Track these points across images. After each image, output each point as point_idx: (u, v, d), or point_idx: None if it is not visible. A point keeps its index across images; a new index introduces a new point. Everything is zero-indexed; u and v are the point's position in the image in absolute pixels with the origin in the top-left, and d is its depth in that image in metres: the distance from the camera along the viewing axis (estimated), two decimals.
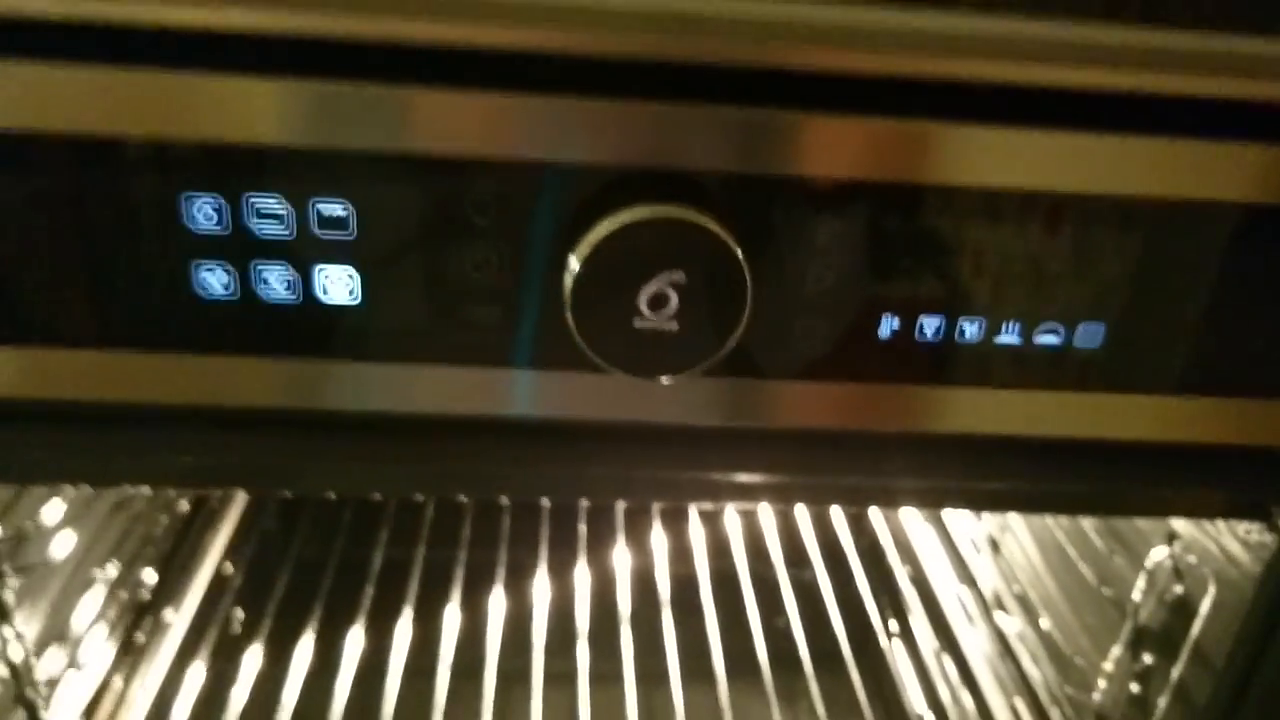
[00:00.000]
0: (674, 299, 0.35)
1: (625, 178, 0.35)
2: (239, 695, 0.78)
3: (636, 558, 0.96)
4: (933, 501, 0.57)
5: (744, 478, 0.46)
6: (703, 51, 0.34)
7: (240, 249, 0.35)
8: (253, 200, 0.34)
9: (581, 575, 0.93)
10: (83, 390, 0.39)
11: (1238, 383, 0.44)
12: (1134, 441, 0.46)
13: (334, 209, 0.35)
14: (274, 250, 0.35)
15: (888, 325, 0.39)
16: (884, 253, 0.37)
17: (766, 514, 1.02)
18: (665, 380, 0.37)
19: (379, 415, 0.39)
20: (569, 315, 0.35)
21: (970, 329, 0.39)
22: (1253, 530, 0.57)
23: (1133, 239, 0.38)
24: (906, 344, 0.39)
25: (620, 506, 1.02)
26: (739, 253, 0.34)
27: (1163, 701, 0.64)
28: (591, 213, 0.34)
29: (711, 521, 1.01)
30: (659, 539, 0.98)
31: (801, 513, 1.02)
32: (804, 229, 0.36)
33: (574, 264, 0.34)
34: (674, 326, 0.35)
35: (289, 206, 0.34)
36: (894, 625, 0.98)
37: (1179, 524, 0.65)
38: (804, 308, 0.38)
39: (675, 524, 1.00)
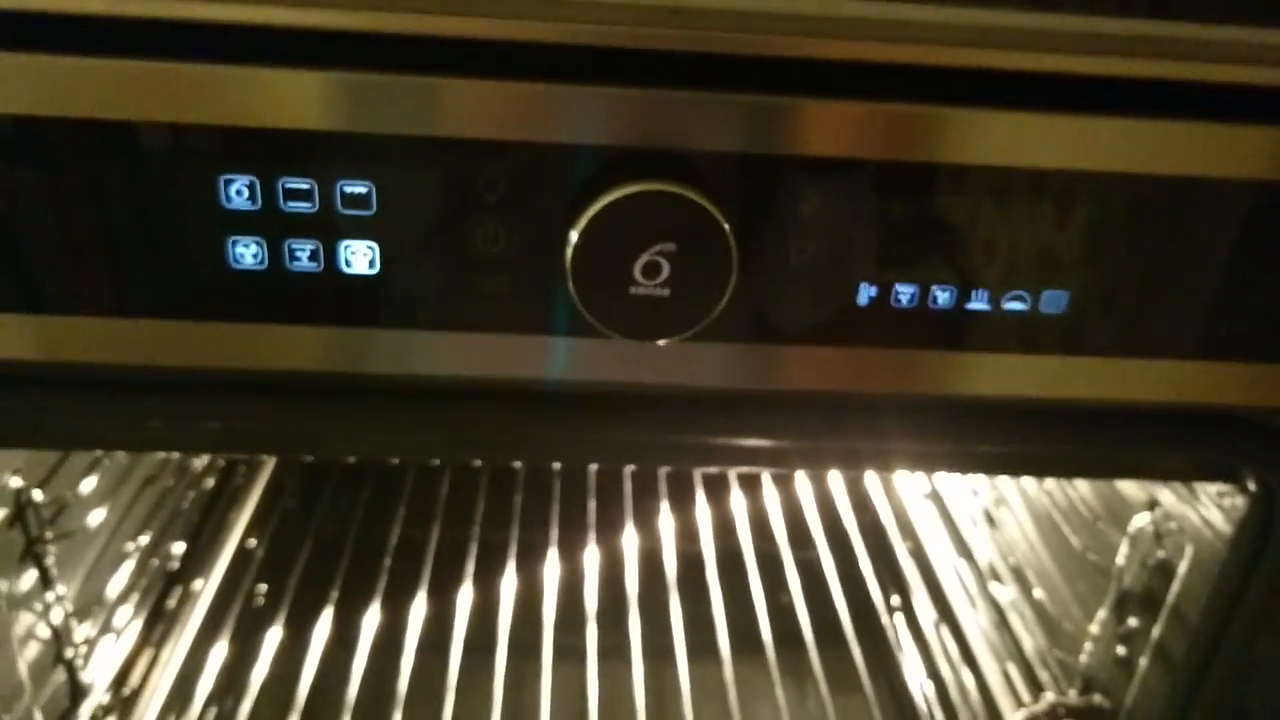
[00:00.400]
0: (665, 267, 0.38)
1: (622, 157, 0.38)
2: (261, 665, 0.82)
3: (644, 537, 0.99)
4: (921, 464, 0.59)
5: (745, 442, 0.50)
6: (698, 42, 0.37)
7: (272, 225, 0.39)
8: (285, 181, 0.38)
9: (591, 555, 0.96)
10: (123, 356, 0.43)
11: (1208, 347, 0.46)
12: (1112, 403, 0.48)
13: (357, 188, 0.38)
14: (302, 226, 0.39)
15: (865, 293, 0.42)
16: (862, 226, 0.41)
17: (771, 493, 1.05)
18: (661, 343, 0.41)
19: (402, 379, 0.43)
20: (570, 283, 0.38)
21: (942, 296, 0.43)
22: (1226, 493, 0.60)
23: (1096, 210, 0.41)
24: (884, 311, 0.42)
25: (628, 488, 1.05)
26: (725, 224, 0.37)
27: (1144, 661, 0.67)
28: (592, 190, 0.38)
29: (717, 500, 1.05)
30: (666, 518, 1.01)
31: (805, 492, 1.06)
32: (789, 203, 0.40)
33: (573, 236, 0.37)
34: (665, 293, 0.38)
35: (316, 186, 0.38)
36: (895, 600, 1.01)
37: (1161, 492, 0.68)
38: (789, 277, 0.41)
39: (681, 503, 1.03)
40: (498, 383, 0.43)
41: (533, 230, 0.39)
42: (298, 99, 0.37)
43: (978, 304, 0.43)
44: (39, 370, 0.44)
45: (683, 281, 0.38)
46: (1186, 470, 0.58)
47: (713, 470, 1.07)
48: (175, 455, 0.86)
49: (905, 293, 0.42)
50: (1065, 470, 0.66)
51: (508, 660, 0.85)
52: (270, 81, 0.36)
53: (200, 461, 0.92)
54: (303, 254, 0.39)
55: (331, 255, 0.39)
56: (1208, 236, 0.43)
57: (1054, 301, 0.43)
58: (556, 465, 1.03)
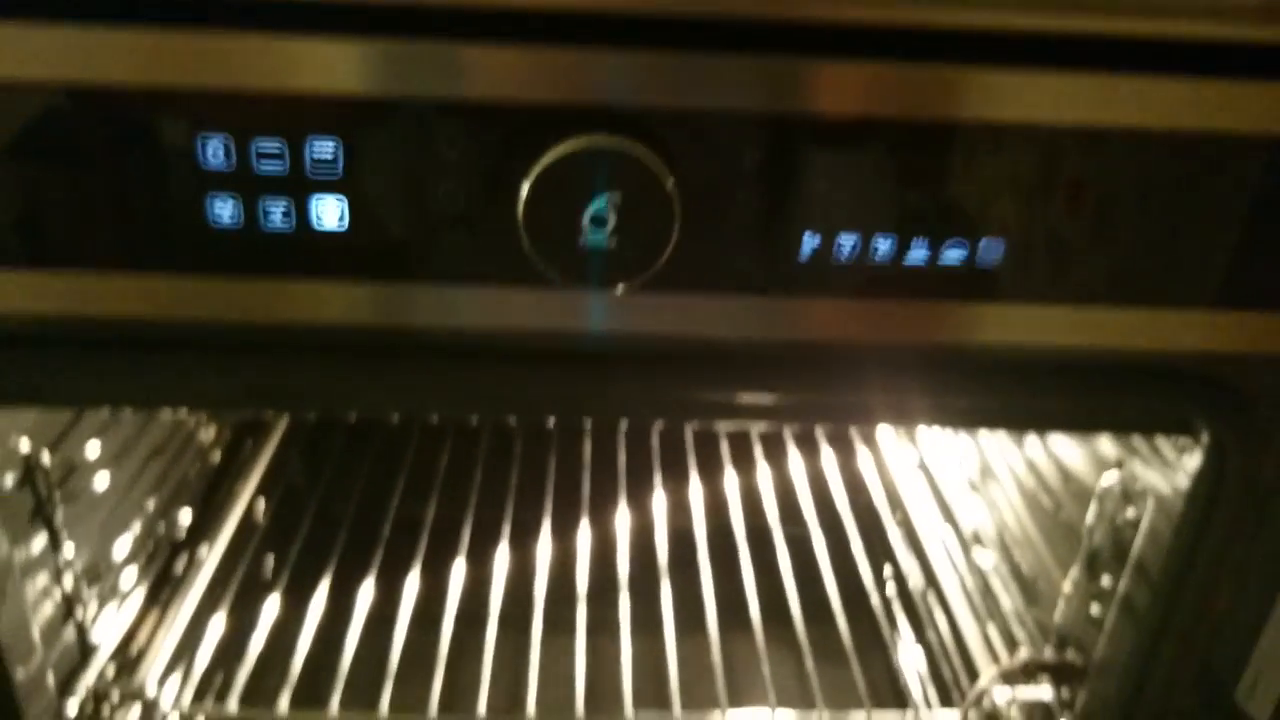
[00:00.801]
0: (611, 219, 0.40)
1: (572, 114, 0.41)
2: (259, 634, 0.85)
3: (636, 514, 1.02)
4: (866, 416, 0.61)
5: (739, 398, 0.52)
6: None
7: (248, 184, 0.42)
8: (259, 142, 0.41)
9: (583, 536, 0.98)
10: (147, 310, 0.45)
11: (1161, 292, 0.48)
12: (1078, 351, 0.50)
13: (326, 146, 0.41)
14: (273, 185, 0.42)
15: (809, 244, 0.44)
16: (808, 180, 0.43)
17: (765, 474, 1.07)
18: (617, 291, 0.43)
19: (401, 332, 0.45)
20: (522, 234, 0.41)
21: (884, 246, 0.45)
22: (1185, 448, 0.62)
23: (1037, 161, 0.43)
24: (826, 262, 0.45)
25: (622, 460, 1.08)
26: (666, 178, 0.40)
27: (1110, 616, 0.69)
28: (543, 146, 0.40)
29: (710, 479, 1.07)
30: (659, 498, 1.03)
31: (799, 470, 1.08)
32: (735, 158, 0.42)
33: (524, 189, 0.40)
34: (613, 244, 0.41)
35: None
36: (886, 570, 1.03)
37: (1129, 454, 0.70)
38: (734, 228, 0.43)
39: (676, 486, 1.06)
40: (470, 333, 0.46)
41: (491, 185, 0.42)
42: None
43: (918, 252, 0.45)
44: (48, 325, 0.47)
45: (627, 233, 0.41)
46: (1142, 422, 0.60)
47: (705, 432, 1.09)
48: (183, 425, 0.90)
49: (847, 243, 0.44)
50: (1023, 424, 0.68)
51: (498, 634, 0.87)
52: None
53: (207, 434, 0.96)
54: (275, 212, 0.42)
55: (303, 211, 0.42)
56: (1180, 190, 0.45)
57: (998, 250, 0.45)
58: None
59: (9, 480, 0.62)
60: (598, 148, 0.39)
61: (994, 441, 0.93)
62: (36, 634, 0.65)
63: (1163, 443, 0.64)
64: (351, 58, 0.39)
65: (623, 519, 1.01)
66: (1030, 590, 0.84)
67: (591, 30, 0.40)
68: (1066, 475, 0.79)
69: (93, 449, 0.73)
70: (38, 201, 0.42)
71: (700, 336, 0.47)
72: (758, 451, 1.09)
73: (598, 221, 0.40)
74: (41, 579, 0.67)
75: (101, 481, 0.75)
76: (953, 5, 0.41)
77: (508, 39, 0.39)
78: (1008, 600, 0.87)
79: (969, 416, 0.59)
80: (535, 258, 0.41)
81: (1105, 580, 0.73)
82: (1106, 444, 0.72)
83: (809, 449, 1.09)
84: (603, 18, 0.40)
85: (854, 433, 1.12)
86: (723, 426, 1.10)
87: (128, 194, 0.42)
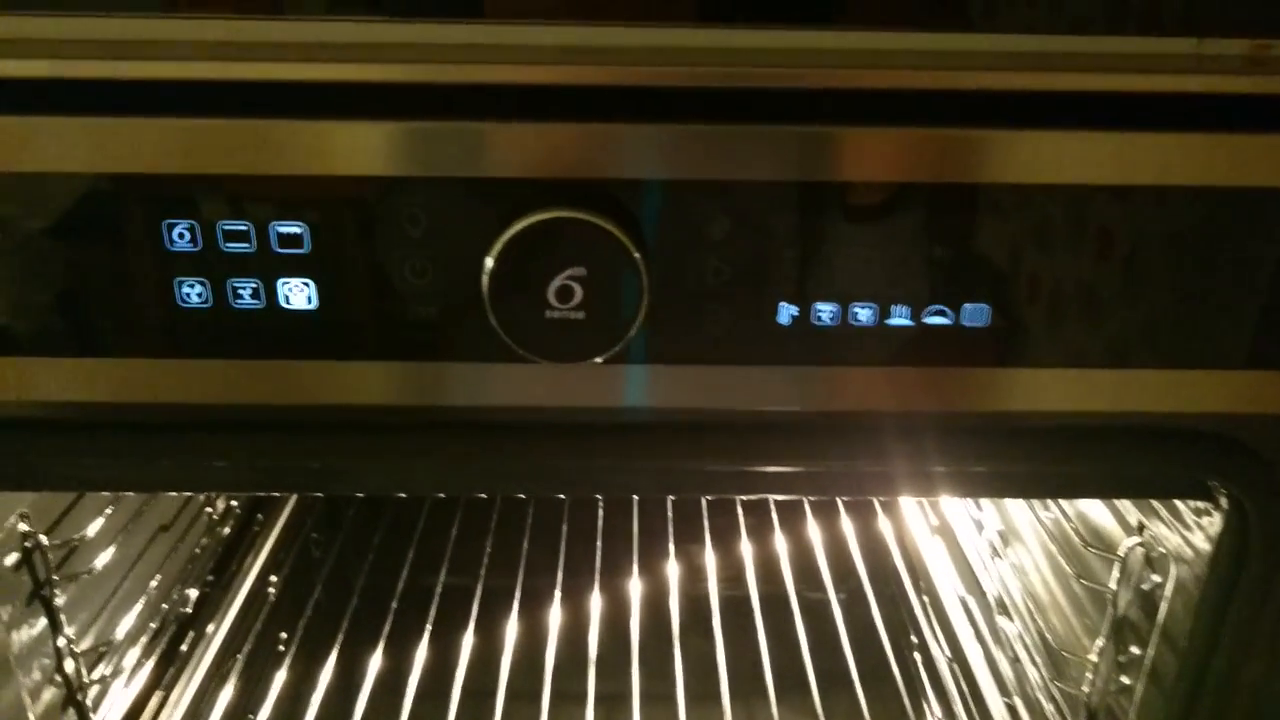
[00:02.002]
0: (579, 291, 0.40)
1: (538, 188, 0.40)
2: (266, 708, 0.83)
3: (648, 582, 1.00)
4: (885, 487, 0.59)
5: (747, 468, 0.51)
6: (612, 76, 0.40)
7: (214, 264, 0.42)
8: (224, 225, 0.41)
9: (595, 603, 0.96)
10: (152, 395, 0.45)
11: (1179, 354, 0.47)
12: (1089, 416, 0.49)
13: (291, 229, 0.41)
14: (241, 265, 0.42)
15: (786, 313, 0.43)
16: (779, 246, 0.42)
17: (781, 539, 1.05)
18: (589, 363, 0.42)
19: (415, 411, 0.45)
20: (488, 308, 0.40)
21: (863, 314, 0.44)
22: (1204, 511, 0.59)
23: (1032, 221, 0.42)
24: (805, 329, 0.43)
25: (635, 528, 1.06)
26: (633, 249, 0.39)
27: (1139, 687, 0.66)
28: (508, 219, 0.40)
29: (725, 546, 1.05)
30: (672, 566, 1.01)
31: (816, 535, 1.05)
32: (704, 227, 0.41)
33: (489, 262, 0.39)
34: (580, 316, 0.40)
35: (253, 227, 0.41)
36: (913, 638, 1.00)
37: (1151, 518, 0.67)
38: (706, 298, 0.42)
39: (690, 552, 1.04)
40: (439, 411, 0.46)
41: (455, 260, 0.41)
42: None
43: (899, 319, 0.44)
44: (84, 411, 0.47)
45: (596, 305, 0.40)
46: (1157, 486, 0.58)
47: (719, 503, 1.07)
48: (192, 500, 0.90)
49: (826, 311, 0.43)
50: (1038, 490, 0.66)
51: (505, 706, 0.85)
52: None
53: (216, 508, 0.96)
54: (245, 292, 0.42)
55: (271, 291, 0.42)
56: (1203, 249, 0.44)
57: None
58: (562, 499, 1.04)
59: (7, 562, 0.62)
60: (563, 220, 0.38)
61: (1015, 505, 0.90)
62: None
63: (1183, 505, 0.61)
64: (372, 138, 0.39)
65: (635, 587, 0.99)
66: (1057, 660, 0.81)
67: (555, 104, 0.40)
68: (1089, 539, 0.76)
69: (95, 527, 0.73)
70: (37, 288, 0.43)
71: (694, 408, 0.47)
72: (774, 516, 1.07)
73: (564, 294, 0.40)
74: (40, 663, 0.67)
75: (105, 560, 0.74)
76: (956, 69, 0.40)
77: (467, 114, 0.39)
78: (1034, 672, 0.83)
79: (987, 485, 0.57)
80: (502, 332, 0.40)
81: (1134, 649, 0.69)
82: (1129, 507, 0.70)
83: (827, 513, 1.07)
84: (564, 91, 0.40)
85: (873, 497, 1.09)
86: None
87: (123, 278, 0.42)
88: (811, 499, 1.08)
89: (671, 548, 1.03)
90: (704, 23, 0.39)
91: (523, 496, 1.08)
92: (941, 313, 0.44)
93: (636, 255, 0.39)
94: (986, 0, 0.40)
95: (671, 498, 1.09)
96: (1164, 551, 0.65)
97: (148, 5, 0.39)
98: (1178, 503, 0.62)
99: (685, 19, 0.39)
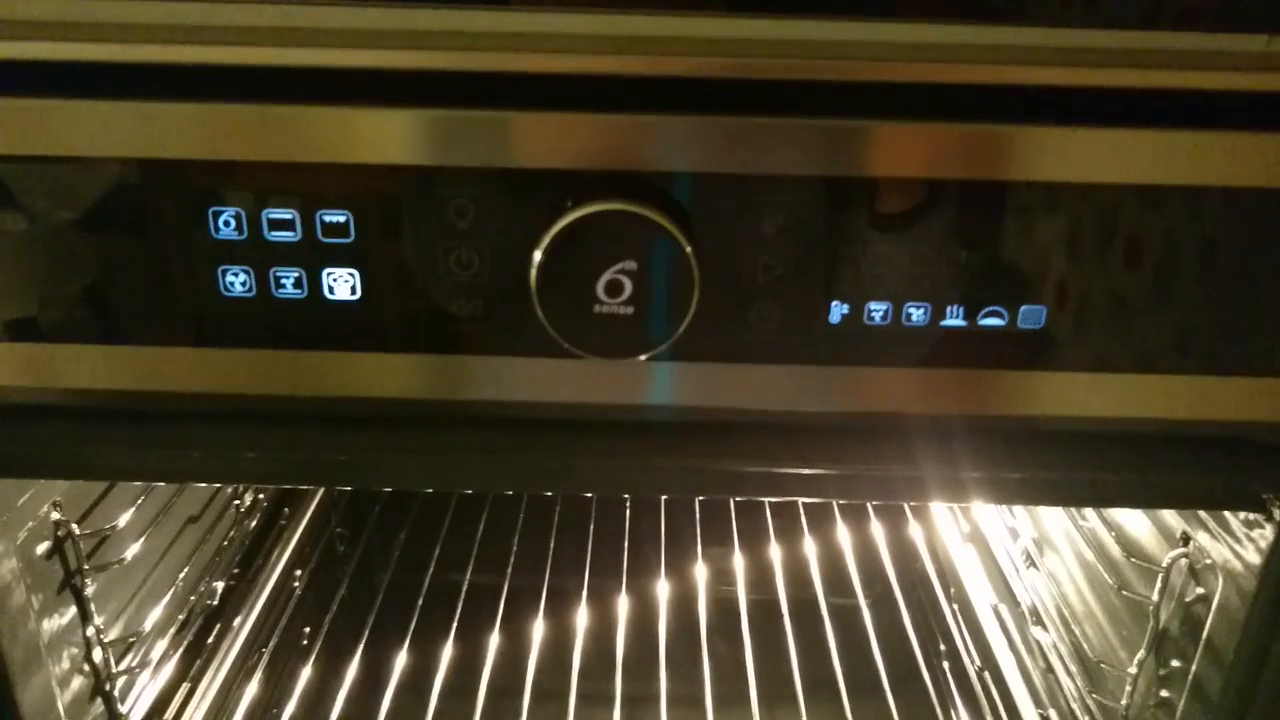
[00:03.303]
0: (628, 286, 0.39)
1: (588, 180, 0.39)
2: (292, 703, 0.83)
3: (676, 585, 0.99)
4: (927, 493, 0.58)
5: (777, 470, 0.50)
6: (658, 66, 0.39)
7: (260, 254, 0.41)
8: (269, 213, 0.40)
9: (622, 604, 0.96)
10: (186, 384, 0.45)
11: (1230, 360, 0.46)
12: (1127, 422, 0.48)
13: (337, 218, 0.40)
14: (289, 255, 0.41)
15: (838, 311, 0.42)
16: (831, 243, 0.41)
17: (810, 542, 1.04)
18: (636, 360, 0.41)
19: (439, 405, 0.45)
20: (535, 302, 0.39)
21: (916, 313, 0.43)
22: (1254, 523, 0.58)
23: (1092, 222, 0.41)
24: (856, 329, 0.42)
25: (663, 531, 1.05)
26: (685, 242, 0.38)
27: (1182, 701, 0.64)
28: (558, 212, 0.39)
29: (752, 549, 1.03)
30: (700, 568, 1.00)
31: (846, 539, 1.04)
32: (755, 222, 0.40)
33: (538, 255, 0.39)
34: (630, 311, 0.39)
35: (298, 215, 0.40)
36: (941, 646, 0.98)
37: (1196, 528, 0.66)
38: (757, 295, 0.42)
39: (718, 554, 1.03)
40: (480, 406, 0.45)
41: (503, 253, 0.41)
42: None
43: (954, 320, 0.43)
44: (95, 400, 0.46)
45: (646, 300, 0.39)
46: (1208, 497, 0.56)
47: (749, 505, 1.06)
48: (220, 493, 0.90)
49: (878, 310, 0.42)
50: (1085, 499, 0.65)
51: (531, 705, 0.85)
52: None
53: (244, 501, 0.95)
54: (287, 281, 0.41)
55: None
56: (1243, 250, 0.42)
57: (1047, 316, 0.43)
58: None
59: (39, 550, 0.62)
60: (614, 213, 0.38)
61: (1051, 512, 0.88)
62: (62, 710, 0.64)
63: (1231, 517, 0.60)
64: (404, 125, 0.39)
65: (662, 588, 0.98)
66: (1093, 671, 0.79)
67: (605, 94, 0.39)
68: (1129, 548, 0.75)
69: (126, 517, 0.73)
70: (72, 276, 0.42)
71: (737, 408, 0.46)
72: (803, 520, 1.06)
73: (614, 289, 0.39)
74: (70, 652, 0.66)
75: (134, 550, 0.74)
76: (995, 63, 0.39)
77: (517, 104, 0.38)
78: (1069, 682, 0.81)
79: (1023, 492, 0.56)
80: (549, 327, 0.40)
81: (1175, 662, 0.68)
82: (1171, 516, 0.68)
83: (857, 517, 1.06)
84: (614, 80, 0.39)
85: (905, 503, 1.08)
86: None
87: (163, 265, 0.42)
88: (841, 503, 1.07)
89: (699, 549, 1.02)
90: (761, 13, 0.38)
91: (549, 495, 1.07)
92: (997, 314, 0.43)
93: (688, 249, 0.38)
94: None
95: (699, 499, 1.08)
96: (1210, 563, 0.63)
97: None
98: (1227, 514, 0.60)
99: (747, 9, 0.38)
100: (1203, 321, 0.44)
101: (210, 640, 0.85)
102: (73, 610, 0.67)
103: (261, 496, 0.98)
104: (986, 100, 0.40)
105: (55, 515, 0.64)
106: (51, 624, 0.64)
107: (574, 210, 0.38)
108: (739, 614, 0.94)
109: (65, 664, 0.66)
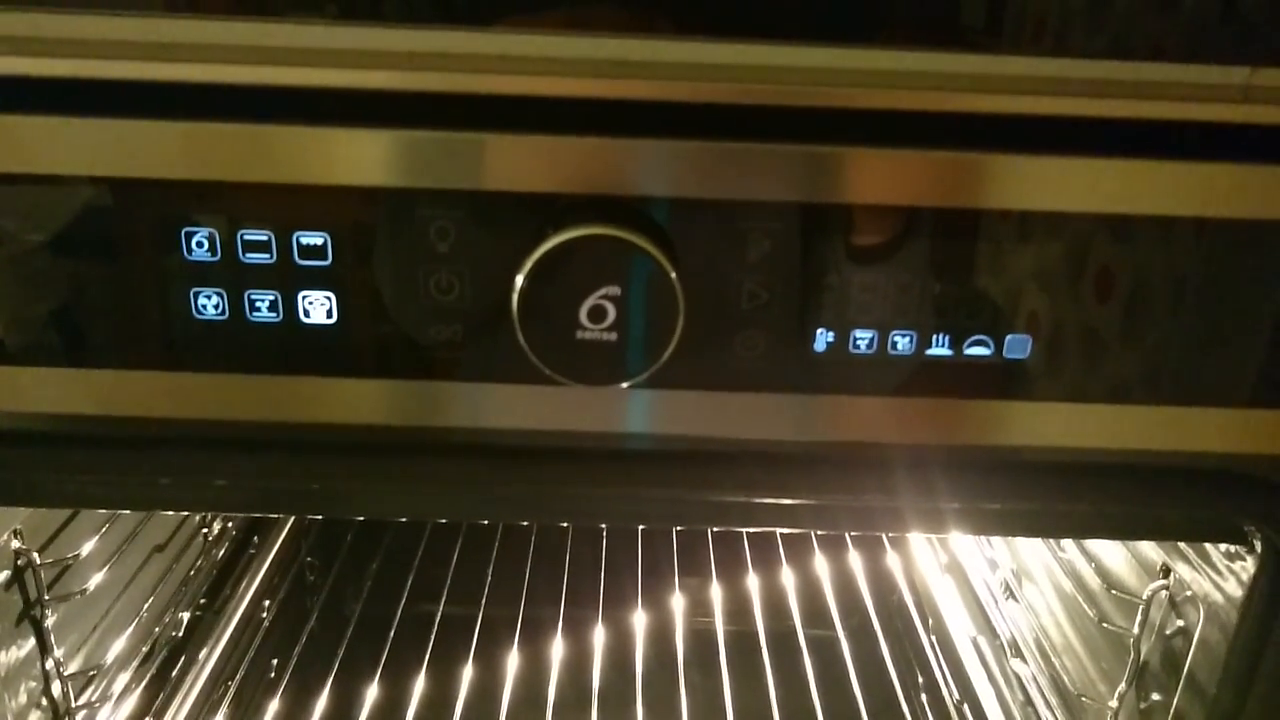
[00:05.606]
0: (611, 312, 0.38)
1: (571, 204, 0.39)
2: None
3: (653, 617, 0.98)
4: (903, 524, 0.58)
5: (756, 500, 0.49)
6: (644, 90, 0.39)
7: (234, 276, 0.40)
8: (244, 234, 0.39)
9: (598, 635, 0.94)
10: (154, 410, 0.44)
11: (1212, 391, 0.45)
12: (1118, 453, 0.47)
13: (314, 239, 0.39)
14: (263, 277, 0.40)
15: (823, 339, 0.42)
16: (817, 271, 0.41)
17: (789, 573, 1.03)
18: (617, 387, 0.41)
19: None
20: (516, 328, 0.38)
21: (902, 342, 0.42)
22: (1236, 555, 0.58)
23: (1065, 252, 0.41)
24: (841, 357, 0.42)
25: (640, 560, 1.04)
26: (669, 268, 0.38)
27: None
28: (540, 236, 0.38)
29: (730, 579, 1.03)
30: (677, 599, 0.99)
31: (824, 570, 1.03)
32: (739, 248, 0.40)
33: (520, 280, 0.38)
34: (613, 337, 0.39)
35: (274, 236, 0.39)
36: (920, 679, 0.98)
37: (1176, 560, 0.66)
38: (740, 322, 0.41)
39: (695, 585, 1.02)
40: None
41: (484, 277, 0.40)
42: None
43: (939, 349, 0.42)
44: (60, 425, 0.45)
45: (630, 326, 0.39)
46: (1189, 528, 0.56)
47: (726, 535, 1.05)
48: (188, 521, 0.88)
49: (864, 338, 0.42)
50: (1063, 530, 0.64)
51: None
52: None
53: (212, 529, 0.93)
54: (262, 304, 0.40)
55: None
56: (1219, 280, 0.42)
57: (1027, 346, 0.42)
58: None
59: None
60: (599, 237, 0.37)
61: (1030, 543, 0.88)
62: None
63: (1212, 549, 0.60)
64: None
65: (639, 619, 0.97)
66: (1073, 704, 0.79)
67: (590, 118, 0.38)
68: (1109, 580, 0.75)
69: (90, 546, 0.71)
70: (41, 296, 0.41)
71: (720, 437, 0.45)
72: (781, 549, 1.05)
73: (597, 314, 0.38)
74: (27, 685, 0.64)
75: (98, 580, 0.72)
76: (974, 91, 0.39)
77: (500, 127, 0.38)
78: (1049, 715, 0.81)
79: (1001, 523, 0.56)
80: (530, 353, 0.39)
81: (1156, 695, 0.67)
82: (1151, 548, 0.68)
83: (835, 547, 1.05)
84: (601, 104, 0.38)
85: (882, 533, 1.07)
86: None
87: (133, 287, 0.41)
88: (819, 533, 1.07)
89: (677, 579, 1.01)
90: (744, 38, 0.38)
91: (525, 524, 1.06)
92: (983, 343, 0.42)
93: (673, 275, 0.38)
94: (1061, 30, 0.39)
95: (676, 529, 1.07)
96: (1191, 595, 0.63)
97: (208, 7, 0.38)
98: (1207, 546, 0.60)
99: (732, 34, 0.38)
100: (1184, 353, 0.44)
101: (175, 673, 0.83)
102: (31, 642, 0.64)
103: (230, 524, 0.96)
104: (988, 130, 0.39)
105: (15, 544, 0.62)
106: (8, 656, 0.61)
107: (558, 234, 0.37)
108: (716, 645, 0.92)
109: (23, 698, 0.63)
